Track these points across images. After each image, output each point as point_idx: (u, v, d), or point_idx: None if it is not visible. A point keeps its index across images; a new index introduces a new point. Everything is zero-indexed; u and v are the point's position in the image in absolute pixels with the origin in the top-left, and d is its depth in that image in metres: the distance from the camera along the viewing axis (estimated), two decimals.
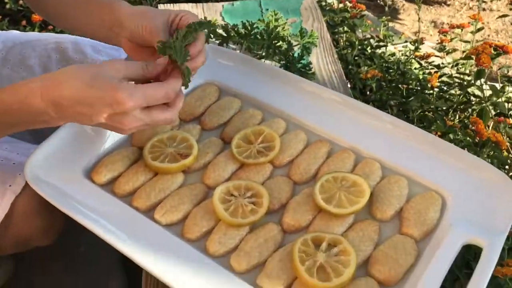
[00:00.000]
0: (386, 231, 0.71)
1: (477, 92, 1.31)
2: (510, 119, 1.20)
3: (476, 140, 1.09)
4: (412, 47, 1.52)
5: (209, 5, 1.31)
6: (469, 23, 1.46)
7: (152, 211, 0.72)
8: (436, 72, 1.42)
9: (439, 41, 1.45)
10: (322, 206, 0.71)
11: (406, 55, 1.53)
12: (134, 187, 0.75)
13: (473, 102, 1.32)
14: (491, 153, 1.00)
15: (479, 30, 1.45)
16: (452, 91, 1.38)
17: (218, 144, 0.82)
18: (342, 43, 1.53)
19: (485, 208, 0.71)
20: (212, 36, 1.04)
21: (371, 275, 0.66)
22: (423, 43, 1.54)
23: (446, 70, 1.45)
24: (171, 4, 1.32)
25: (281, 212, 0.73)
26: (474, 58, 1.07)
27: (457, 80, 1.38)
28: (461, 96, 1.32)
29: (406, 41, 1.73)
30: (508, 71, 1.67)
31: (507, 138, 1.11)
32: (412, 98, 1.33)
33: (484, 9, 2.72)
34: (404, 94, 1.36)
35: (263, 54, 1.02)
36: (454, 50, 1.50)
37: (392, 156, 0.79)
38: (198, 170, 0.79)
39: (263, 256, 0.67)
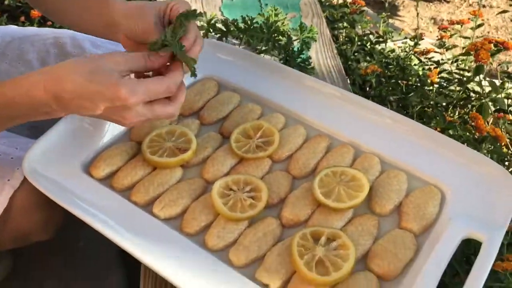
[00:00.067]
0: (385, 226, 0.71)
1: (477, 89, 1.30)
2: (510, 115, 1.20)
3: (476, 136, 1.09)
4: (412, 43, 1.52)
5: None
6: (469, 19, 1.46)
7: (150, 206, 0.72)
8: (435, 68, 1.42)
9: (439, 36, 1.45)
10: (321, 200, 0.71)
11: (406, 51, 1.53)
12: (132, 181, 0.75)
13: (472, 98, 1.32)
14: (491, 148, 1.00)
15: (479, 26, 1.44)
16: (452, 87, 1.38)
17: (217, 139, 0.82)
18: (341, 39, 1.53)
19: (484, 203, 0.71)
20: (211, 30, 1.04)
21: (370, 269, 0.66)
22: (422, 39, 1.53)
23: (446, 66, 1.44)
24: None
25: (280, 207, 0.73)
26: (473, 54, 1.07)
27: (456, 76, 1.37)
28: (461, 92, 1.32)
29: (405, 37, 1.72)
30: (508, 68, 1.67)
31: (507, 134, 1.11)
32: (411, 94, 1.33)
33: (484, 6, 2.72)
34: (404, 90, 1.36)
35: (263, 48, 1.01)
36: (454, 46, 1.50)
37: (392, 151, 0.79)
38: (197, 164, 0.79)
39: (262, 250, 0.67)
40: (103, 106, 0.63)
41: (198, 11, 0.70)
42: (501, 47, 1.21)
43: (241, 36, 1.01)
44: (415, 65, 1.49)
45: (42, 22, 1.74)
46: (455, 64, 1.45)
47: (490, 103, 1.15)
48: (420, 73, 1.43)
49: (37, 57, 1.01)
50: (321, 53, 1.10)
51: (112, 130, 0.81)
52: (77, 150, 0.78)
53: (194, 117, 0.87)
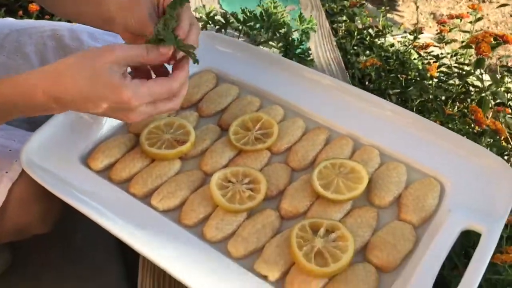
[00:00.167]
0: (385, 218, 0.71)
1: (476, 83, 1.30)
2: (509, 109, 1.20)
3: (475, 131, 1.09)
4: (411, 37, 1.52)
5: None
6: (468, 13, 1.46)
7: (148, 198, 0.72)
8: (435, 62, 1.42)
9: (438, 30, 1.44)
10: (320, 192, 0.70)
11: (405, 45, 1.52)
12: (131, 173, 0.75)
13: (472, 92, 1.31)
14: (490, 141, 1.00)
15: (478, 20, 1.44)
16: (451, 81, 1.37)
17: (216, 131, 0.82)
18: (340, 33, 1.52)
19: (484, 194, 0.71)
20: (210, 22, 1.03)
21: (369, 261, 0.66)
22: (422, 33, 1.53)
23: (445, 61, 1.44)
24: None
25: (279, 199, 0.73)
26: (474, 47, 1.06)
27: (456, 70, 1.37)
28: (460, 86, 1.32)
29: (405, 32, 1.72)
30: (507, 62, 1.67)
31: (507, 128, 1.11)
32: (411, 88, 1.32)
33: (484, 1, 2.71)
34: (403, 84, 1.36)
35: (262, 40, 1.01)
36: (453, 40, 1.50)
37: (391, 143, 0.78)
38: (195, 156, 0.79)
39: (260, 242, 0.67)
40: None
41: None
42: (500, 40, 1.21)
43: (240, 28, 1.01)
44: (414, 59, 1.49)
45: (40, 17, 1.73)
46: (454, 58, 1.45)
47: (490, 97, 1.14)
48: (420, 67, 1.43)
49: (34, 50, 1.00)
50: (320, 46, 1.10)
51: (110, 122, 0.81)
52: (75, 142, 0.77)
53: (192, 109, 0.86)
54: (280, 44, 1.04)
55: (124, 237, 0.65)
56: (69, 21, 1.21)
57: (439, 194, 0.72)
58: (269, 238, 0.68)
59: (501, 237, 0.77)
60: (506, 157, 1.04)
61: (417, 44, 1.48)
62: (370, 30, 1.55)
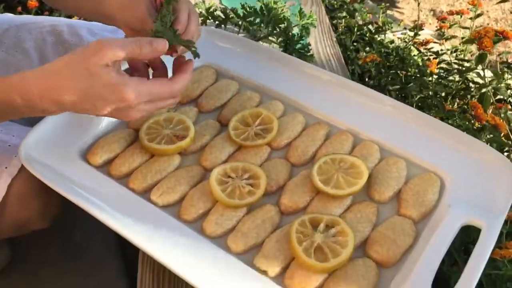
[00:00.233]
0: (384, 213, 0.71)
1: (476, 79, 1.30)
2: (510, 105, 1.20)
3: (475, 127, 1.09)
4: (411, 34, 1.51)
5: None
6: (468, 9, 1.45)
7: (148, 193, 0.72)
8: (435, 58, 1.42)
9: (438, 26, 1.44)
10: (320, 187, 0.70)
11: (405, 41, 1.52)
12: (130, 168, 0.75)
13: (471, 89, 1.31)
14: (490, 136, 1.00)
15: (478, 15, 1.44)
16: (451, 78, 1.37)
17: (215, 127, 0.82)
18: (340, 29, 1.52)
19: (483, 190, 0.71)
20: (210, 18, 1.03)
21: (369, 256, 0.65)
22: (422, 29, 1.52)
23: (445, 57, 1.44)
24: None
25: (279, 194, 0.73)
26: (476, 42, 1.06)
27: (456, 66, 1.37)
28: (460, 83, 1.32)
29: (405, 28, 1.72)
30: (507, 59, 1.66)
31: (507, 124, 1.10)
32: (411, 84, 1.32)
33: None
34: (403, 80, 1.35)
35: (262, 35, 1.01)
36: (453, 37, 1.50)
37: (391, 138, 0.78)
38: (195, 152, 0.78)
39: (260, 237, 0.67)
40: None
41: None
42: (500, 36, 1.20)
43: (240, 23, 1.01)
44: (414, 55, 1.48)
45: (39, 13, 1.72)
46: (454, 54, 1.45)
47: (491, 92, 1.14)
48: (420, 63, 1.43)
49: (34, 45, 1.00)
50: (320, 42, 1.10)
51: (109, 118, 0.80)
52: (75, 137, 0.77)
53: (192, 105, 0.86)
54: (280, 40, 1.04)
55: (124, 232, 0.65)
56: (68, 17, 1.21)
57: (439, 189, 0.72)
58: (269, 233, 0.67)
59: (501, 233, 0.77)
60: (506, 153, 1.04)
61: (417, 40, 1.48)
62: (370, 26, 1.55)
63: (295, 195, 0.71)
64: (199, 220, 0.69)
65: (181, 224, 0.68)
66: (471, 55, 1.53)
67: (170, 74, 0.70)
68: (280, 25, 1.03)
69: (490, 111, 1.17)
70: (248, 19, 1.04)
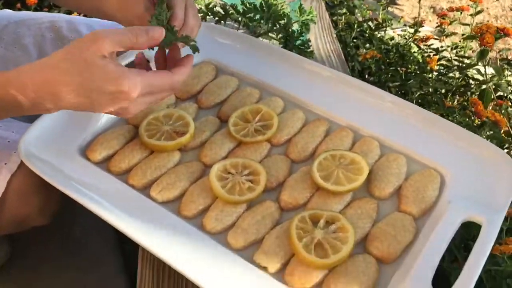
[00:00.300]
0: (385, 209, 0.70)
1: (477, 76, 1.30)
2: (510, 102, 1.19)
3: (475, 124, 1.09)
4: (411, 30, 1.51)
5: None
6: (468, 5, 1.45)
7: (148, 189, 0.72)
8: (435, 55, 1.41)
9: (439, 23, 1.44)
10: (320, 183, 0.70)
11: (405, 38, 1.52)
12: (130, 165, 0.74)
13: (472, 85, 1.31)
14: (490, 132, 1.00)
15: (478, 12, 1.43)
16: (451, 74, 1.37)
17: (215, 123, 0.82)
18: (340, 25, 1.52)
19: (484, 186, 0.70)
20: (210, 14, 1.03)
21: (369, 252, 0.65)
22: (422, 26, 1.52)
23: (445, 54, 1.44)
24: None
25: (279, 190, 0.73)
26: (477, 38, 1.06)
27: (456, 63, 1.37)
28: (460, 80, 1.31)
29: (405, 25, 1.71)
30: (507, 56, 1.66)
31: (507, 121, 1.10)
32: (411, 80, 1.32)
33: None
34: (403, 77, 1.35)
35: (261, 31, 1.00)
36: (453, 33, 1.49)
37: (391, 134, 0.78)
38: (194, 148, 0.78)
39: (260, 233, 0.67)
40: (104, 103, 0.60)
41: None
42: (501, 33, 1.20)
43: (240, 19, 1.00)
44: (414, 52, 1.48)
45: (39, 9, 1.72)
46: (454, 51, 1.44)
47: (491, 88, 1.14)
48: (420, 60, 1.42)
49: (33, 41, 1.00)
50: (320, 38, 1.09)
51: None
52: (74, 133, 0.77)
53: (192, 101, 0.86)
54: (280, 36, 1.04)
55: (123, 228, 0.64)
56: (67, 13, 1.21)
57: (439, 186, 0.72)
58: (269, 230, 0.67)
59: (501, 229, 0.76)
60: (506, 150, 1.04)
61: (417, 37, 1.48)
62: (370, 23, 1.54)
63: (295, 191, 0.71)
64: (199, 216, 0.69)
65: (181, 220, 0.68)
66: (472, 52, 1.53)
67: None
68: (280, 21, 1.03)
69: (490, 108, 1.17)
70: (247, 15, 1.04)
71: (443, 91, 1.30)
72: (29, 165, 0.70)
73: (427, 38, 1.43)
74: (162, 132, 0.76)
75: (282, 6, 1.05)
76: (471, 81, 1.32)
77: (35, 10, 1.70)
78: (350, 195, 0.71)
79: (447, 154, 0.75)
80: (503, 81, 1.20)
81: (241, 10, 1.03)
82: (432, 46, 1.47)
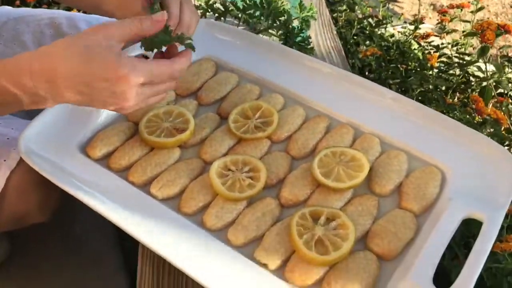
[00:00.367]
0: (385, 206, 0.70)
1: (477, 73, 1.29)
2: (511, 99, 1.19)
3: (476, 121, 1.08)
4: (412, 27, 1.51)
5: None
6: (469, 2, 1.45)
7: (148, 186, 0.71)
8: (435, 52, 1.41)
9: (439, 20, 1.44)
10: (321, 180, 0.70)
11: (406, 35, 1.51)
12: (130, 161, 0.74)
13: (472, 83, 1.31)
14: (491, 130, 0.99)
15: (479, 9, 1.43)
16: (452, 71, 1.37)
17: (215, 119, 0.81)
18: (341, 22, 1.51)
19: (485, 183, 0.70)
20: (210, 10, 1.02)
21: (369, 249, 0.65)
22: (422, 23, 1.52)
23: (446, 51, 1.43)
24: None
25: (279, 187, 0.72)
26: (478, 35, 1.05)
27: (456, 60, 1.36)
28: (461, 77, 1.31)
29: (405, 22, 1.71)
30: (507, 53, 1.66)
31: (508, 118, 1.10)
32: (411, 77, 1.32)
33: None
34: (404, 74, 1.35)
35: (262, 28, 1.00)
36: (454, 30, 1.49)
37: (392, 131, 0.78)
38: (194, 145, 0.78)
39: (260, 230, 0.66)
40: (102, 90, 0.59)
41: None
42: (502, 30, 1.20)
43: (240, 16, 1.00)
44: (414, 49, 1.48)
45: (38, 6, 1.72)
46: (455, 48, 1.44)
47: (492, 85, 1.13)
48: (420, 57, 1.42)
49: (32, 38, 0.99)
50: (321, 35, 1.09)
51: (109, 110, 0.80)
52: (74, 130, 0.77)
53: (191, 98, 0.86)
54: (280, 32, 1.03)
55: (123, 225, 0.64)
56: (67, 9, 1.20)
57: (440, 183, 0.72)
58: (269, 226, 0.67)
59: (501, 227, 0.76)
60: (507, 147, 1.03)
61: (417, 34, 1.47)
62: (370, 20, 1.54)
63: (296, 188, 0.71)
64: (199, 213, 0.69)
65: (181, 217, 0.68)
66: (472, 49, 1.52)
67: None
68: (280, 18, 1.03)
69: (491, 105, 1.16)
70: (248, 12, 1.03)
71: (443, 88, 1.30)
72: (28, 161, 0.70)
73: (428, 35, 1.43)
74: (162, 129, 0.76)
75: (282, 2, 1.05)
76: (471, 78, 1.32)
77: (34, 6, 1.70)
78: (350, 192, 0.71)
79: (448, 151, 0.75)
80: (503, 78, 1.20)
81: (241, 7, 1.03)
82: (432, 43, 1.46)
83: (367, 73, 1.41)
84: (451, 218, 0.66)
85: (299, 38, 1.02)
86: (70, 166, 0.72)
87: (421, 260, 0.61)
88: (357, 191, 0.71)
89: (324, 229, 0.64)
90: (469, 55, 1.37)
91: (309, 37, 1.05)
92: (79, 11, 1.30)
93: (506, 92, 1.19)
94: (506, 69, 1.28)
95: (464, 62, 1.31)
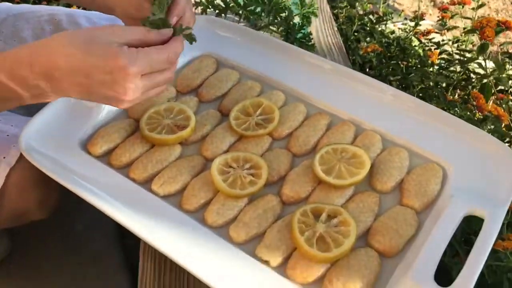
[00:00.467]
0: (387, 203, 0.70)
1: (478, 70, 1.29)
2: (511, 96, 1.19)
3: (476, 118, 1.08)
4: (412, 24, 1.50)
5: None
6: None
7: (149, 183, 0.71)
8: (436, 49, 1.41)
9: (439, 17, 1.43)
10: (322, 177, 0.70)
11: (406, 32, 1.51)
12: (131, 158, 0.74)
13: (473, 79, 1.31)
14: (492, 127, 0.99)
15: (480, 6, 1.43)
16: (452, 68, 1.36)
17: (216, 116, 0.81)
18: (341, 19, 1.51)
19: (486, 179, 0.70)
20: (210, 7, 1.02)
21: (371, 246, 0.65)
22: (423, 19, 1.51)
23: (446, 47, 1.43)
24: None
25: (280, 184, 0.72)
26: (478, 32, 1.05)
27: (457, 57, 1.36)
28: (461, 74, 1.31)
29: (405, 19, 1.71)
30: (508, 49, 1.66)
31: (509, 115, 1.10)
32: (412, 74, 1.32)
33: None
34: (404, 70, 1.35)
35: (262, 24, 1.00)
36: (455, 27, 1.49)
37: (393, 128, 0.78)
38: (195, 142, 0.78)
39: (262, 227, 0.66)
40: (101, 81, 0.59)
41: None
42: (503, 26, 1.20)
43: (241, 12, 1.00)
44: (415, 46, 1.47)
45: (38, 2, 1.71)
46: (455, 45, 1.44)
47: (492, 82, 1.13)
48: (421, 54, 1.42)
49: (32, 34, 0.99)
50: (322, 31, 1.09)
51: (110, 107, 0.79)
52: (75, 127, 0.77)
53: (192, 95, 0.85)
54: (281, 29, 1.03)
55: (125, 222, 0.64)
56: (67, 6, 1.20)
57: (441, 179, 0.72)
58: (271, 223, 0.67)
59: (503, 224, 0.76)
60: (508, 144, 1.03)
61: (418, 30, 1.47)
62: (371, 16, 1.53)
63: (297, 185, 0.71)
64: (200, 210, 0.69)
65: (183, 214, 0.67)
66: (473, 46, 1.52)
67: None
68: (281, 14, 1.02)
69: (491, 102, 1.16)
70: (248, 8, 1.03)
71: (444, 85, 1.30)
72: (29, 158, 0.70)
73: (428, 32, 1.43)
74: (163, 125, 0.76)
75: None
76: (472, 75, 1.32)
77: (34, 3, 1.69)
78: (352, 189, 0.71)
79: (449, 148, 0.75)
80: (504, 75, 1.19)
81: (241, 3, 1.03)
82: (433, 40, 1.46)
83: (368, 69, 1.40)
84: (453, 215, 0.66)
85: (300, 35, 1.02)
86: (70, 163, 0.71)
87: (422, 257, 0.61)
88: (358, 188, 0.71)
89: (325, 226, 0.64)
90: (469, 51, 1.36)
91: (310, 33, 1.05)
92: (79, 7, 1.30)
93: (506, 89, 1.19)
94: (507, 66, 1.28)
95: (465, 59, 1.31)
